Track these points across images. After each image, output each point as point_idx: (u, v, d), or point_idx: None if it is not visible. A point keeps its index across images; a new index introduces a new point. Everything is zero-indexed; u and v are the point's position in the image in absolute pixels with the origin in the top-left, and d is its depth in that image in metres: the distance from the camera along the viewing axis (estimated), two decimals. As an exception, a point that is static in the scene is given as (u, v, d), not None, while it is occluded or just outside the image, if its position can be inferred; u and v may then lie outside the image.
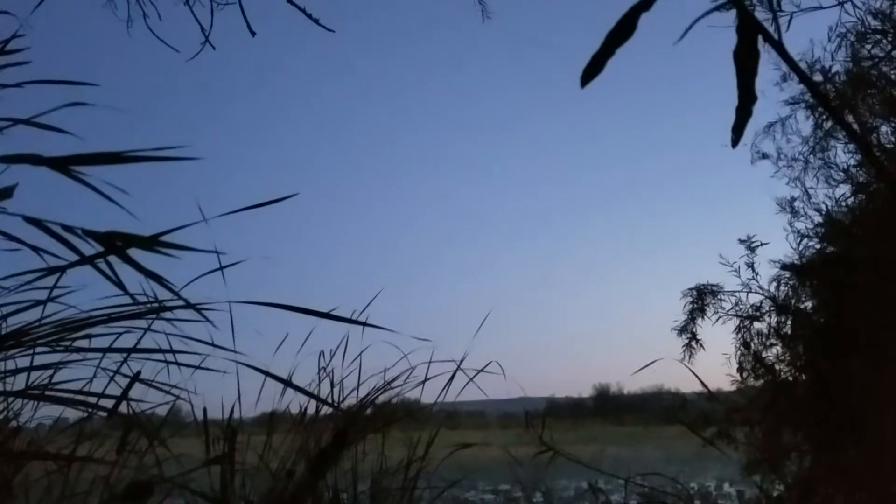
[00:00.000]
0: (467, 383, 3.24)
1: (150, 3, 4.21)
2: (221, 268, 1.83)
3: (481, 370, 3.23)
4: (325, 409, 3.36)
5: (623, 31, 0.65)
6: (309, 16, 4.09)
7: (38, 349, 1.78)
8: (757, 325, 4.81)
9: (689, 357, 4.89)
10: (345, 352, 3.30)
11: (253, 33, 4.09)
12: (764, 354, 4.76)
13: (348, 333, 3.25)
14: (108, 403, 1.91)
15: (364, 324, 2.43)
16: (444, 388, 3.28)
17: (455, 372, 3.22)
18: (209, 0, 4.07)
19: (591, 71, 0.65)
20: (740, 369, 4.79)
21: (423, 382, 3.36)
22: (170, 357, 1.90)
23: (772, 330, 4.78)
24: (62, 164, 1.52)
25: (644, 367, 2.59)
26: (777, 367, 4.76)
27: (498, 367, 3.24)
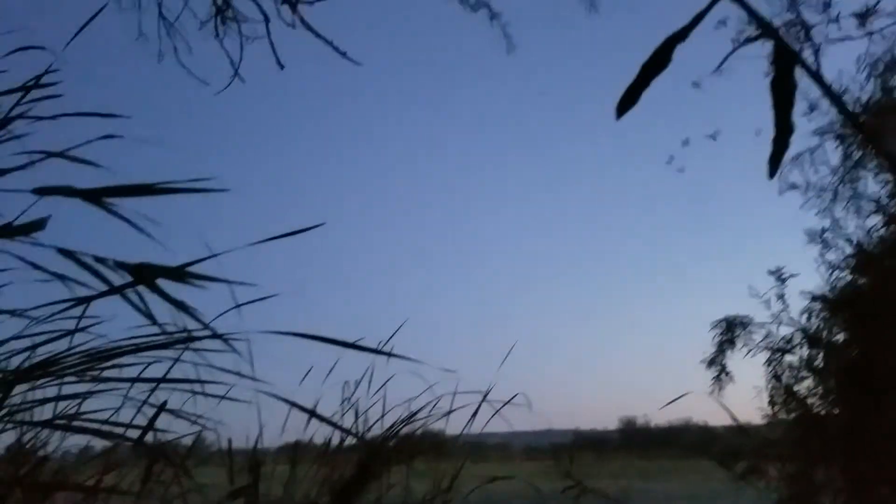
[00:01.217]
0: (493, 415, 3.21)
1: (181, 37, 4.30)
2: (252, 301, 1.83)
3: (507, 402, 3.20)
4: (350, 440, 3.35)
5: (658, 62, 0.64)
6: (336, 49, 4.14)
7: (66, 379, 1.79)
8: (788, 357, 4.73)
9: (719, 390, 4.82)
10: (370, 382, 3.29)
11: (281, 66, 4.15)
12: (795, 388, 4.67)
13: (373, 364, 3.25)
14: (135, 433, 1.91)
15: (389, 354, 2.42)
16: (469, 420, 3.25)
17: (480, 403, 3.19)
18: (239, 34, 4.14)
19: (627, 102, 0.64)
20: (771, 403, 4.71)
21: (448, 414, 3.33)
22: (196, 387, 1.90)
23: (803, 363, 4.70)
24: (95, 196, 1.55)
25: (673, 401, 2.54)
26: (809, 400, 4.67)
27: (524, 398, 3.21)
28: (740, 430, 4.73)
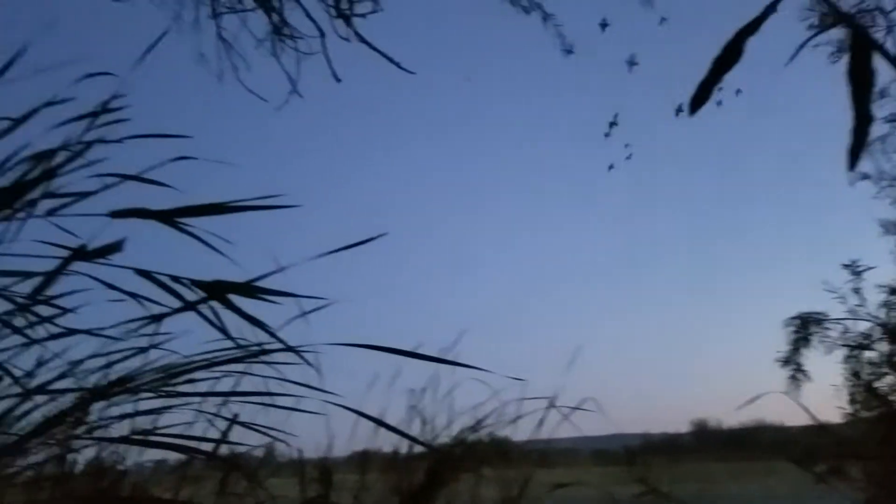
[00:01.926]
0: (562, 420, 3.17)
1: (239, 56, 4.39)
2: (314, 310, 1.85)
3: (577, 407, 3.16)
4: (418, 448, 3.35)
5: (730, 56, 0.62)
6: (390, 59, 4.18)
7: (142, 395, 1.83)
8: (867, 353, 4.56)
9: (795, 389, 4.67)
10: (435, 390, 3.29)
11: (338, 80, 4.20)
12: (876, 384, 4.50)
13: (438, 371, 3.25)
14: (209, 446, 1.95)
15: (453, 363, 2.42)
16: (537, 426, 3.22)
17: (548, 409, 3.16)
18: (295, 51, 4.21)
19: (700, 98, 0.62)
20: (851, 401, 4.55)
21: (515, 420, 3.31)
22: (267, 399, 1.93)
23: (883, 358, 4.52)
24: (168, 217, 1.60)
25: (750, 402, 2.47)
26: (891, 397, 4.49)
27: (594, 402, 3.16)
28: (820, 430, 4.58)
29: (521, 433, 3.35)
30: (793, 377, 4.68)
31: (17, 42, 1.77)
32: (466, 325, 3.13)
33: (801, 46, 0.61)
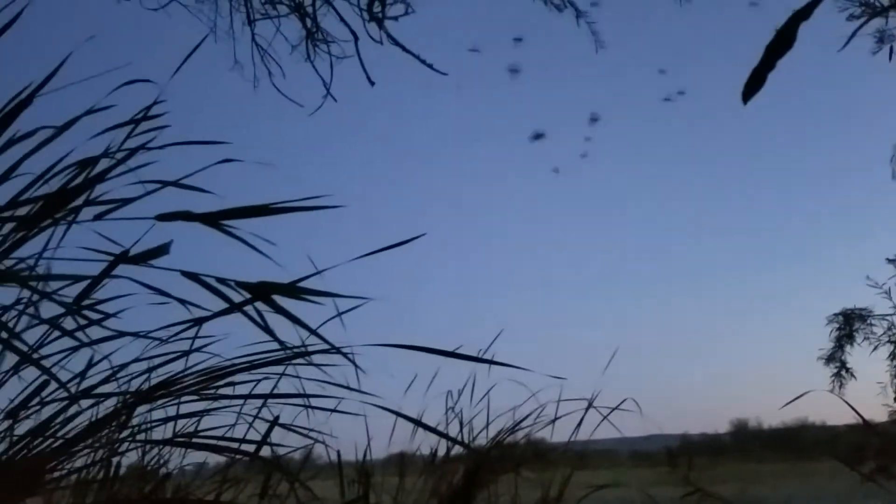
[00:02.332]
0: (601, 421, 3.15)
1: (274, 62, 4.44)
2: (351, 309, 1.86)
3: (616, 408, 3.13)
4: (456, 450, 3.35)
5: (783, 42, 0.60)
6: (423, 61, 4.19)
7: (184, 398, 1.86)
8: (914, 350, 4.45)
9: (839, 387, 4.57)
10: (472, 391, 3.29)
11: (372, 83, 4.22)
12: (924, 382, 4.39)
13: (475, 372, 3.25)
14: (250, 448, 1.96)
15: (492, 362, 2.41)
16: (575, 427, 3.20)
17: (587, 410, 3.14)
18: (328, 55, 4.24)
19: (753, 86, 0.61)
20: (899, 398, 4.44)
21: (554, 421, 3.29)
22: (307, 401, 1.94)
23: (931, 355, 4.41)
24: (213, 220, 1.62)
25: (793, 401, 2.42)
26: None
27: (632, 403, 3.13)
28: (865, 428, 4.47)
29: (559, 434, 3.34)
30: (836, 375, 4.59)
31: (59, 53, 1.80)
32: (505, 326, 3.13)
33: (854, 34, 0.59)
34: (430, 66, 4.14)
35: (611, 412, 3.15)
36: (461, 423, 3.29)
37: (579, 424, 3.25)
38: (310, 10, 4.29)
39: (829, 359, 4.60)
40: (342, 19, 4.23)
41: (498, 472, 3.34)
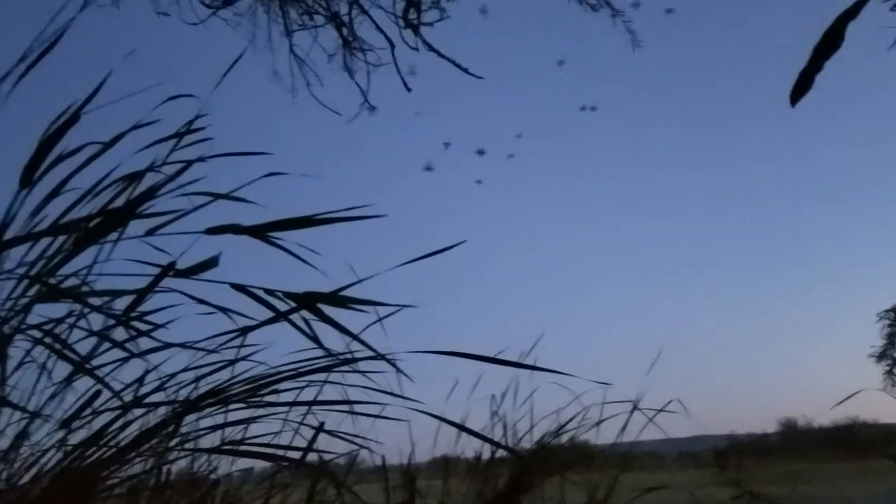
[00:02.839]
0: (647, 423, 3.12)
1: (312, 72, 4.49)
2: (390, 315, 1.87)
3: (661, 409, 3.10)
4: (501, 453, 3.34)
5: (831, 43, 0.59)
6: (458, 66, 4.19)
7: (231, 406, 1.88)
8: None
9: (892, 385, 4.46)
10: (515, 394, 3.28)
11: (409, 89, 4.24)
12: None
13: (518, 376, 3.24)
14: (296, 454, 1.98)
15: (534, 367, 2.40)
16: (621, 429, 3.18)
17: (632, 412, 3.11)
18: (365, 63, 4.27)
19: (801, 88, 0.60)
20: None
21: (598, 424, 3.27)
22: (351, 407, 1.96)
23: None
24: (260, 232, 1.66)
25: (845, 400, 2.37)
26: None
27: (678, 404, 3.09)
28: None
29: (604, 437, 3.31)
30: (889, 372, 4.48)
31: (102, 69, 1.85)
32: (547, 329, 3.12)
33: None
34: (465, 70, 4.15)
35: (656, 414, 3.12)
36: (505, 427, 3.29)
37: (624, 426, 3.23)
38: (346, 19, 4.33)
39: (881, 356, 4.50)
40: (378, 27, 4.27)
41: (543, 476, 3.33)
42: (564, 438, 3.38)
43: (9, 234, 1.68)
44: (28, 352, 1.75)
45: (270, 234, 1.67)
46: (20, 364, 1.74)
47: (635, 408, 3.17)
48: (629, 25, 4.74)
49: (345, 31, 4.34)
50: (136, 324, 1.77)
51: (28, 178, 1.71)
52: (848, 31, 0.58)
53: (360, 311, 1.68)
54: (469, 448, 3.36)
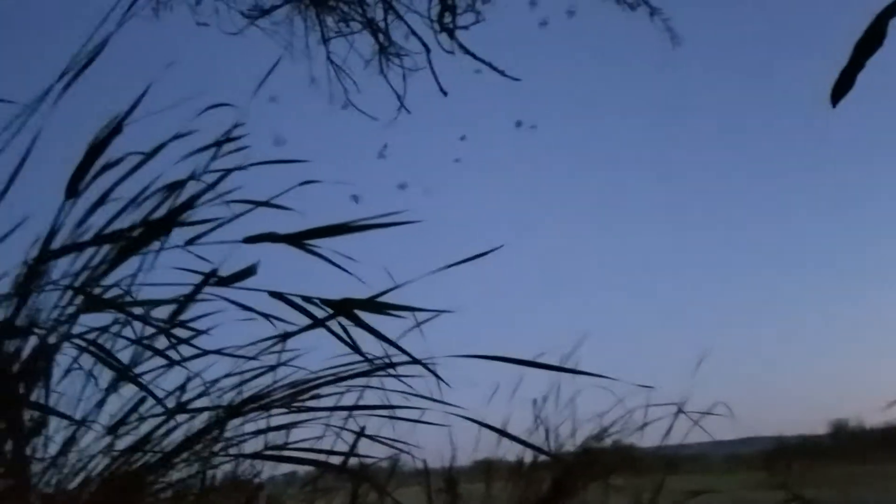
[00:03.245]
0: (692, 426, 3.07)
1: (349, 78, 4.52)
2: (428, 319, 1.87)
3: (707, 412, 3.05)
4: (542, 457, 3.32)
5: (872, 40, 0.57)
6: (494, 68, 4.19)
7: (273, 411, 1.90)
8: None
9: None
10: (557, 398, 3.26)
11: (444, 93, 4.25)
12: None
13: (559, 379, 3.22)
14: (338, 459, 1.99)
15: (575, 371, 2.38)
16: (665, 433, 3.14)
17: (677, 415, 3.07)
18: (401, 68, 4.29)
19: (842, 88, 0.58)
20: None
21: (642, 427, 3.23)
22: (392, 412, 1.96)
23: None
24: (297, 240, 1.68)
25: (897, 402, 2.31)
26: None
27: (724, 407, 3.04)
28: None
29: (648, 440, 3.27)
30: (945, 373, 4.33)
31: (143, 80, 1.88)
32: (589, 331, 3.09)
33: None
34: (501, 72, 4.14)
35: (701, 416, 3.07)
36: (547, 431, 3.26)
37: (669, 430, 3.19)
38: (382, 25, 4.35)
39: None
40: (413, 32, 4.28)
41: (586, 480, 3.30)
42: (608, 442, 3.35)
43: (55, 245, 1.72)
44: (75, 359, 1.79)
45: (307, 241, 1.69)
46: (67, 371, 1.77)
47: (680, 410, 3.13)
48: (668, 23, 4.69)
49: (381, 36, 4.36)
50: (176, 331, 1.79)
51: (73, 189, 1.75)
52: (890, 27, 0.56)
53: (397, 316, 1.68)
54: (511, 451, 3.35)
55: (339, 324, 1.70)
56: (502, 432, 2.24)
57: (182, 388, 1.86)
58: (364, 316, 1.67)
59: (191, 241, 1.74)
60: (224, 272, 1.62)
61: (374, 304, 1.64)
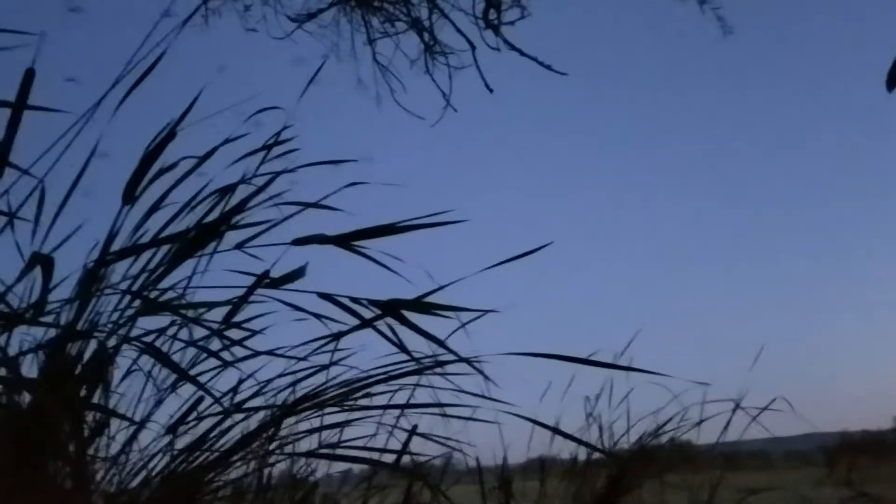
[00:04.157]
0: (751, 422, 3.01)
1: (395, 78, 4.54)
2: (475, 318, 1.87)
3: (766, 408, 2.98)
4: (597, 455, 3.29)
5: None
6: (541, 63, 4.16)
7: (327, 410, 1.92)
8: None
9: None
10: (610, 395, 3.22)
11: (490, 90, 4.24)
12: None
13: (612, 376, 3.18)
14: (391, 457, 2.01)
15: (627, 368, 2.35)
16: (723, 429, 3.08)
17: (734, 411, 3.01)
18: (447, 66, 4.29)
19: (900, 72, 0.55)
20: None
21: (699, 424, 3.18)
22: (443, 410, 1.96)
23: None
24: (345, 241, 1.70)
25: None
26: None
27: (783, 402, 2.97)
28: None
29: (706, 437, 3.22)
30: None
31: (194, 85, 1.92)
32: (643, 327, 3.05)
33: None
34: (548, 67, 4.11)
35: (760, 412, 3.01)
36: (601, 429, 3.23)
37: (727, 426, 3.13)
38: (427, 24, 4.36)
39: None
40: (458, 30, 4.28)
41: (642, 477, 3.26)
42: (664, 439, 3.31)
43: (113, 249, 1.76)
44: (135, 361, 1.83)
45: (354, 242, 1.70)
46: (128, 373, 1.82)
47: (738, 406, 3.07)
48: (718, 13, 4.59)
49: (426, 35, 4.37)
50: (230, 333, 1.82)
51: (130, 195, 1.79)
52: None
53: (444, 316, 1.68)
54: (565, 449, 3.32)
55: (387, 324, 1.72)
56: (554, 429, 2.23)
57: (236, 387, 1.90)
58: (412, 316, 1.68)
59: (240, 245, 1.77)
60: (275, 273, 1.64)
61: (420, 305, 1.65)
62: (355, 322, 1.72)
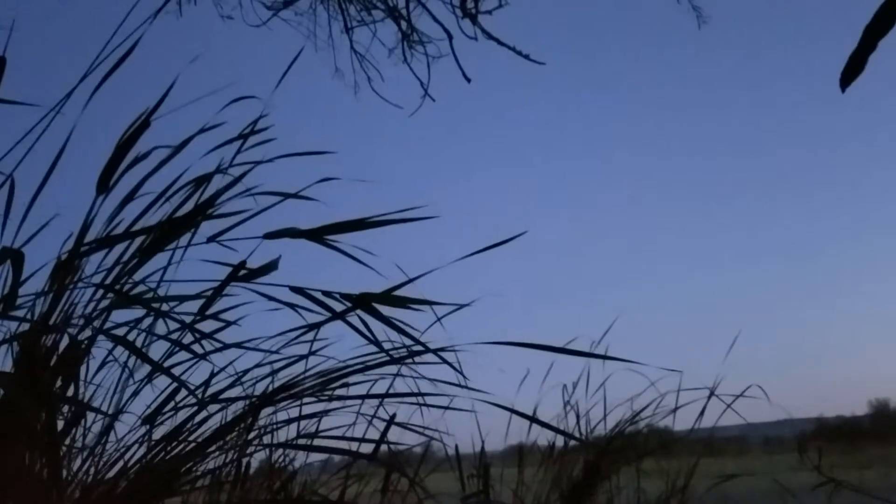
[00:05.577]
0: (725, 410, 3.05)
1: (373, 67, 4.53)
2: (451, 312, 1.89)
3: (740, 395, 3.02)
4: (574, 443, 3.32)
5: (883, 23, 0.56)
6: (519, 52, 4.16)
7: (305, 400, 1.92)
8: None
9: None
10: (587, 383, 3.25)
11: (468, 80, 4.24)
12: None
13: (589, 364, 3.21)
14: (369, 447, 2.01)
15: (603, 357, 2.38)
16: (698, 416, 3.12)
17: (709, 398, 3.05)
18: (425, 55, 4.28)
19: (852, 71, 0.56)
20: None
21: (675, 411, 3.21)
22: (421, 399, 1.97)
23: None
24: (317, 235, 1.70)
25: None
26: None
27: (758, 389, 3.01)
28: None
29: (682, 423, 3.26)
30: None
31: (169, 74, 1.90)
32: (618, 316, 3.07)
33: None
34: (526, 56, 4.11)
35: (734, 399, 3.05)
36: (577, 416, 3.26)
37: (702, 413, 3.17)
38: (404, 12, 4.34)
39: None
40: (436, 19, 4.27)
41: (619, 464, 3.29)
42: (640, 426, 3.34)
43: (88, 239, 1.75)
44: (110, 352, 1.83)
45: (327, 236, 1.70)
46: (103, 364, 1.81)
47: (712, 394, 3.11)
48: (694, 2, 4.62)
49: (403, 24, 4.36)
50: (205, 324, 1.82)
51: (104, 184, 1.77)
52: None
53: (416, 309, 1.69)
54: (543, 436, 3.35)
55: (359, 317, 1.72)
56: (531, 418, 2.25)
57: (208, 380, 1.89)
58: (386, 308, 1.69)
59: (213, 238, 1.77)
60: (250, 264, 1.64)
61: (391, 298, 1.66)
62: (328, 315, 1.73)
